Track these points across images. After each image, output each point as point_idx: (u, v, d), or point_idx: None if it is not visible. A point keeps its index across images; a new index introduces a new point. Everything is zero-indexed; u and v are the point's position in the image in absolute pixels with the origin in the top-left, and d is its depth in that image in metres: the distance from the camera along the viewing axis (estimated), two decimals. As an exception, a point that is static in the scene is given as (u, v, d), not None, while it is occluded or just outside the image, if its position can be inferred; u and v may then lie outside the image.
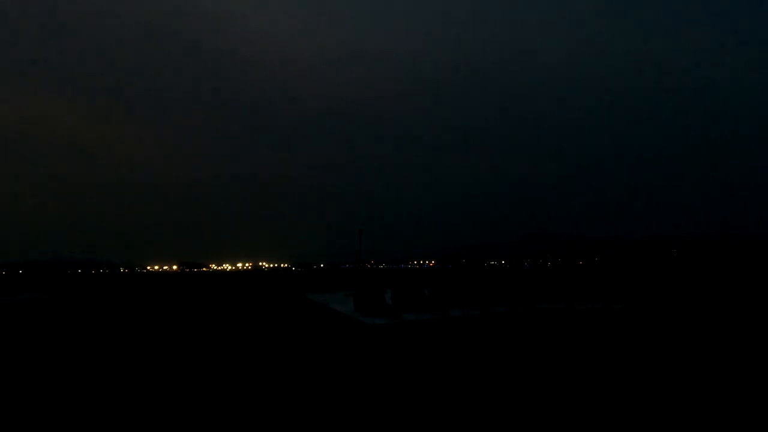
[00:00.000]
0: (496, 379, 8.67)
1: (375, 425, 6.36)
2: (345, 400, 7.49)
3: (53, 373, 9.90)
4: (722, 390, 7.71)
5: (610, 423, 6.31)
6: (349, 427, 6.33)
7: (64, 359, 11.45)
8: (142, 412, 7.14)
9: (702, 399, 7.25)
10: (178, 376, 9.41)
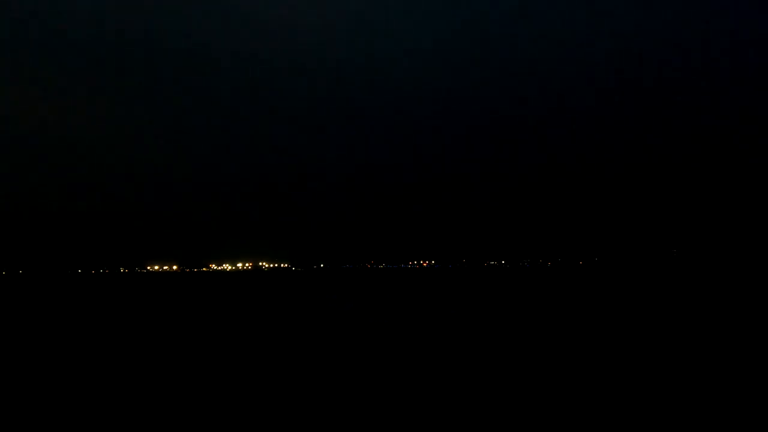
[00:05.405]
0: (495, 378, 8.73)
1: (374, 425, 6.41)
2: (345, 399, 7.54)
3: (54, 374, 9.97)
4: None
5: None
6: (348, 427, 6.39)
7: (64, 359, 11.51)
8: (142, 412, 7.20)
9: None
10: (178, 376, 9.48)
